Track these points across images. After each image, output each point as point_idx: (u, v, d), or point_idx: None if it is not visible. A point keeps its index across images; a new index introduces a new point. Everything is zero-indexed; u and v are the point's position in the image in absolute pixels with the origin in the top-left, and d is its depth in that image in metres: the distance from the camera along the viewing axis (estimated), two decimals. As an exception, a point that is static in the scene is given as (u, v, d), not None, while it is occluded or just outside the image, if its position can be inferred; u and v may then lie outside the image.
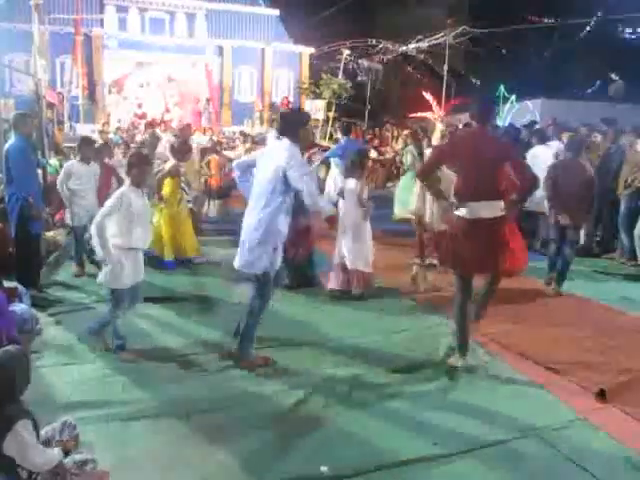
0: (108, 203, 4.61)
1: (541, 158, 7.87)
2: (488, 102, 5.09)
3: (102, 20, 18.64)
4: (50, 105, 13.38)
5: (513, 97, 19.28)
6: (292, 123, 4.61)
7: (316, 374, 4.55)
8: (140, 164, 4.79)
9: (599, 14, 16.44)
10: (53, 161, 10.27)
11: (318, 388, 4.30)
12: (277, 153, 4.46)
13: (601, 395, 4.24)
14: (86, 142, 7.29)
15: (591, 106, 16.75)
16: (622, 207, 8.35)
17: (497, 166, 4.58)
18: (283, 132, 4.58)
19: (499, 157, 4.61)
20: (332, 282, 6.48)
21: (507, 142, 5.26)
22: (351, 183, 6.45)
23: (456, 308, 4.77)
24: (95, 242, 4.54)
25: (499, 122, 16.24)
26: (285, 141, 4.49)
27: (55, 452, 2.83)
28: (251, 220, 4.52)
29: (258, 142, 12.71)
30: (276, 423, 3.84)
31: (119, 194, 4.62)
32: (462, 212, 4.60)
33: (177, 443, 3.57)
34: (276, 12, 21.68)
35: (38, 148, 9.33)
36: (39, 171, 7.74)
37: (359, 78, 21.46)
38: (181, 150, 7.86)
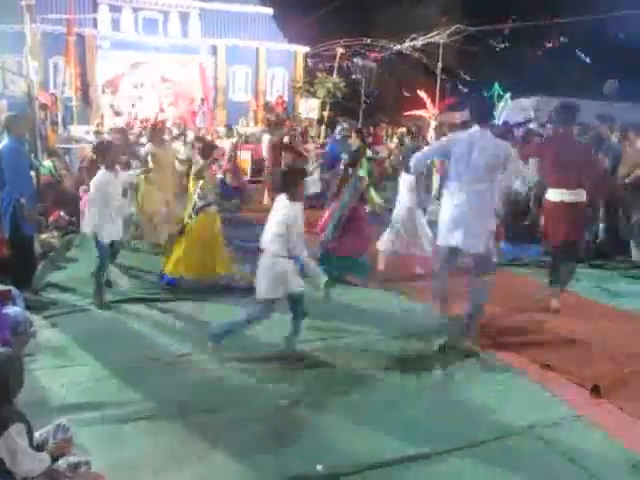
0: (284, 219, 4.54)
1: None
2: (570, 108, 6.07)
3: (95, 20, 18.55)
4: (43, 106, 13.32)
5: (508, 95, 19.32)
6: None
7: (312, 373, 4.56)
8: (298, 180, 4.74)
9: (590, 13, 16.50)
10: (47, 163, 10.23)
11: (314, 387, 4.31)
12: (495, 147, 5.12)
13: (596, 391, 4.26)
14: (105, 147, 6.70)
15: (587, 104, 16.75)
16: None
17: (576, 163, 5.76)
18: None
19: (578, 156, 5.84)
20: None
21: (587, 145, 6.74)
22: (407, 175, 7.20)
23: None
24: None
25: (494, 119, 16.25)
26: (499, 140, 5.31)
27: (43, 457, 2.81)
28: (474, 204, 5.02)
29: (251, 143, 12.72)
30: (272, 422, 3.84)
31: (291, 209, 4.56)
32: (548, 195, 5.99)
33: (172, 444, 3.56)
34: (270, 11, 21.65)
35: (31, 150, 9.29)
36: (32, 173, 7.71)
37: (353, 77, 21.45)
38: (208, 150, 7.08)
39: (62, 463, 2.85)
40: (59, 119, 15.09)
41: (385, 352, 4.99)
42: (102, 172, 6.01)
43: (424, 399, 4.20)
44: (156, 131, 9.18)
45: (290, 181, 4.71)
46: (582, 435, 3.76)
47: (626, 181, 8.10)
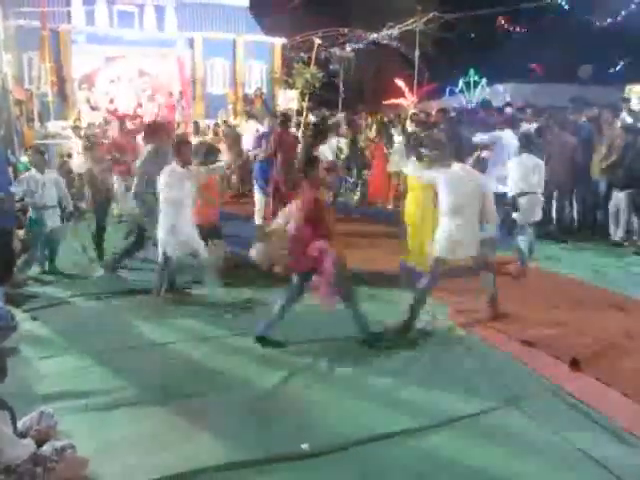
0: None
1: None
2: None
3: (69, 14, 18.26)
4: (18, 102, 13.14)
5: (483, 81, 19.50)
6: None
7: (297, 355, 4.60)
8: None
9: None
10: (24, 159, 10.12)
11: (299, 369, 4.35)
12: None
13: (575, 364, 4.35)
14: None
15: (561, 88, 16.94)
16: (602, 188, 8.44)
17: None
18: None
19: None
20: None
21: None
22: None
23: None
24: None
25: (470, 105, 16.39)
26: None
27: (27, 442, 2.82)
28: None
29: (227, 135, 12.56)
30: (258, 404, 3.87)
31: None
32: None
33: (158, 429, 3.57)
34: (246, 3, 21.51)
35: (7, 146, 9.19)
36: (10, 169, 7.64)
37: (331, 67, 21.40)
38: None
39: (47, 448, 2.86)
40: (35, 115, 14.89)
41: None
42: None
43: (406, 378, 4.25)
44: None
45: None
46: (563, 408, 3.83)
47: (607, 163, 8.17)
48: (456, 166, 5.20)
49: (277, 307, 4.79)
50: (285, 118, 9.15)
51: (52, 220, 6.65)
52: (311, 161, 4.95)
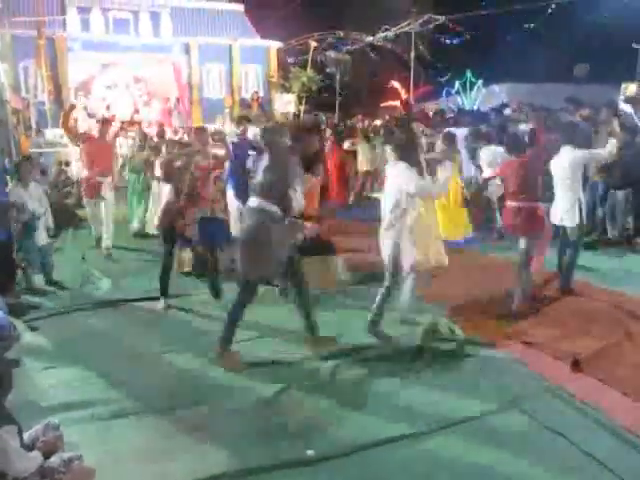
0: None
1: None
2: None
3: (64, 21, 18.28)
4: (16, 111, 13.15)
5: (480, 82, 19.56)
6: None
7: (298, 362, 4.61)
8: None
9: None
10: (22, 167, 10.11)
11: (300, 376, 4.36)
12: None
13: (576, 365, 4.37)
14: None
15: (557, 88, 16.99)
16: (600, 190, 8.44)
17: None
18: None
19: None
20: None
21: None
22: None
23: None
24: None
25: (467, 106, 16.44)
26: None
27: (34, 455, 2.84)
28: None
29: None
30: (260, 411, 3.88)
31: None
32: None
33: (161, 438, 3.59)
34: (241, 8, 21.56)
35: (5, 154, 9.19)
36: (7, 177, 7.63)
37: (327, 70, 21.45)
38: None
39: (55, 459, 2.88)
40: (32, 123, 14.90)
41: (368, 339, 5.03)
42: None
43: (407, 382, 4.27)
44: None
45: None
46: (562, 407, 3.85)
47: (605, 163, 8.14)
48: (565, 148, 5.93)
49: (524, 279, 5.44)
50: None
51: (41, 235, 6.64)
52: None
